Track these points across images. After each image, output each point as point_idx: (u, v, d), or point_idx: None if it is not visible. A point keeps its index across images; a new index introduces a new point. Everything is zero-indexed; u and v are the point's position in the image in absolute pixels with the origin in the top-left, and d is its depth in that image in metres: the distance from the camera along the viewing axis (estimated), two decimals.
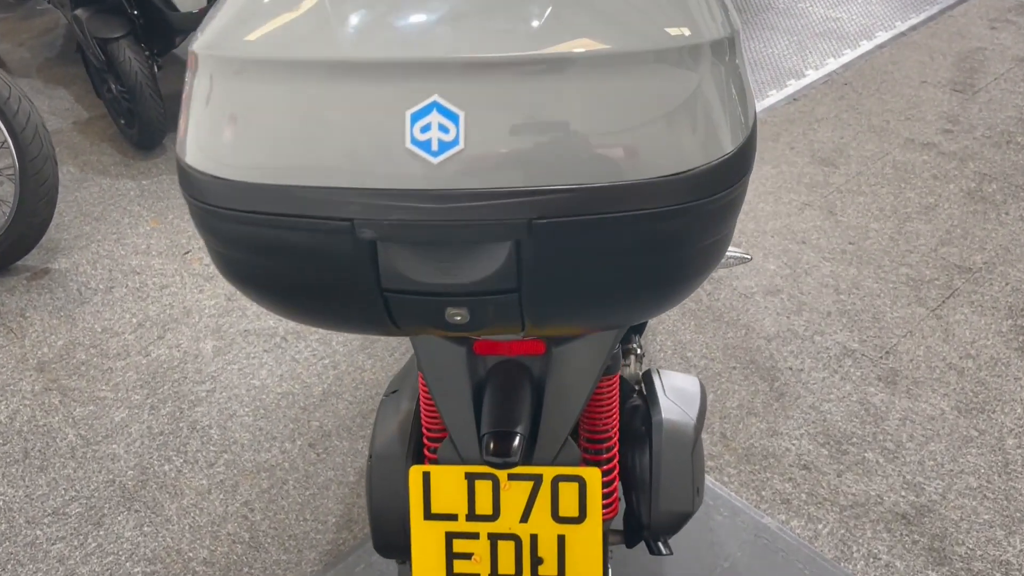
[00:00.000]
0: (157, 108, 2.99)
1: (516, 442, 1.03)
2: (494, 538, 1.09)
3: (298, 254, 0.73)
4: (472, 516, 1.09)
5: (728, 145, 0.74)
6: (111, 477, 1.98)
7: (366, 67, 0.69)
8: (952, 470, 1.89)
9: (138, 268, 2.63)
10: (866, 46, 3.65)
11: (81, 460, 2.02)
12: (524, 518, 1.09)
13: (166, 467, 1.99)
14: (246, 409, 2.13)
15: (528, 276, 0.74)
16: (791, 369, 2.15)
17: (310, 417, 2.10)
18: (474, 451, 1.10)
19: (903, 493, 1.85)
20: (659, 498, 1.24)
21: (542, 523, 1.08)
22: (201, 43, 0.75)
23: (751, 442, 1.97)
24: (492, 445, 1.03)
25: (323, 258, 0.73)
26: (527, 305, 0.77)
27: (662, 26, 0.72)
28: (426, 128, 0.68)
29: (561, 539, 1.09)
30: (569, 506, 1.08)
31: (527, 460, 1.09)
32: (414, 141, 0.69)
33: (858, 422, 2.01)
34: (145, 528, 1.86)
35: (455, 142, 0.69)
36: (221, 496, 1.92)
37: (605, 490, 1.22)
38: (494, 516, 1.09)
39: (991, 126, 3.07)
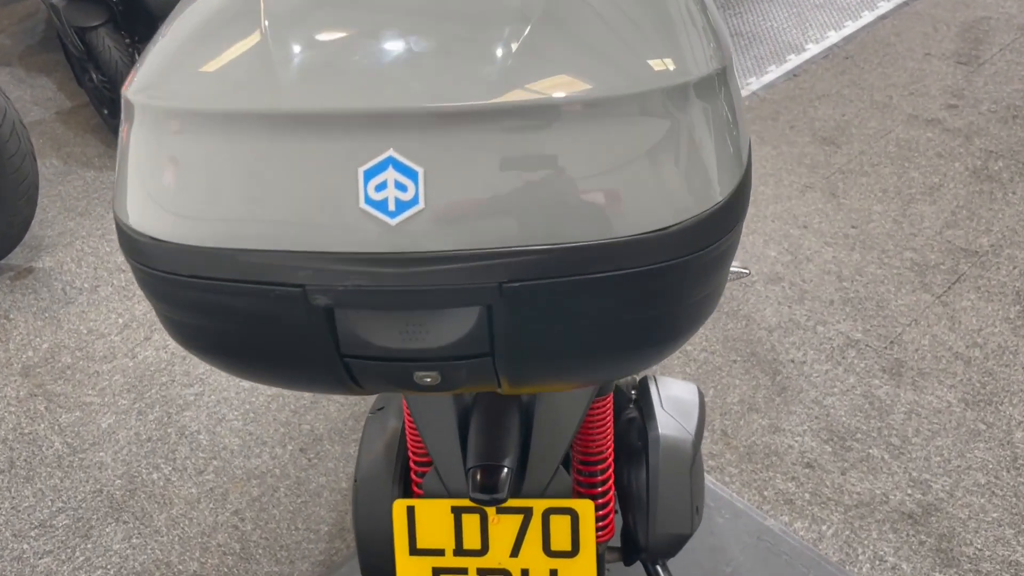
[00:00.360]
0: None
1: (503, 476, 0.98)
2: (483, 573, 1.04)
3: (248, 320, 0.67)
4: (460, 551, 1.04)
5: (719, 193, 0.68)
6: (98, 487, 1.94)
7: (313, 119, 0.62)
8: (959, 466, 1.84)
9: (123, 265, 2.57)
10: (868, 17, 3.55)
11: (68, 469, 1.98)
12: (514, 552, 1.04)
13: (154, 475, 1.95)
14: (235, 413, 2.08)
15: (501, 340, 0.68)
16: (793, 361, 2.10)
17: (301, 421, 2.05)
18: (461, 483, 1.05)
19: (909, 491, 1.80)
20: (656, 520, 1.19)
21: (533, 557, 1.03)
22: (135, 88, 0.68)
23: (753, 439, 1.93)
24: (478, 480, 0.98)
25: (275, 324, 0.67)
26: (502, 368, 0.71)
27: (644, 66, 0.65)
28: (381, 186, 0.62)
29: (553, 573, 1.04)
30: (561, 540, 1.03)
31: (516, 492, 1.04)
32: (368, 201, 0.62)
33: (862, 417, 1.96)
34: (134, 540, 1.82)
35: (414, 201, 0.62)
36: (211, 505, 1.88)
37: (600, 512, 1.17)
38: (483, 551, 1.04)
39: (997, 100, 2.99)
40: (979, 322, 2.17)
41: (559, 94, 0.62)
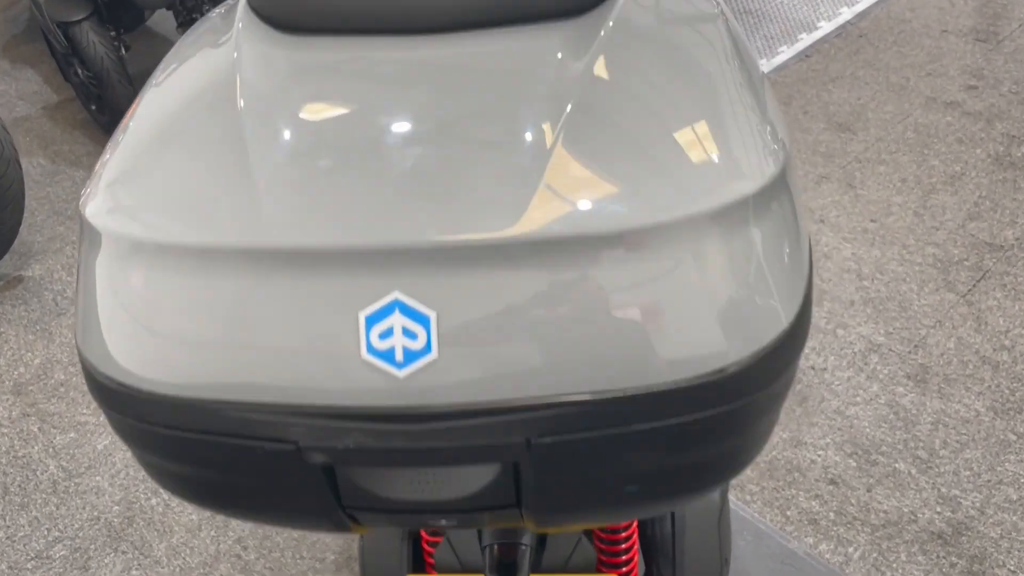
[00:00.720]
0: (127, 93, 2.80)
1: (522, 553, 0.90)
2: None
3: (236, 474, 0.58)
4: None
5: (784, 318, 0.58)
6: (96, 514, 1.87)
7: (303, 257, 0.53)
8: (990, 480, 1.77)
9: None
10: None
11: (64, 495, 1.91)
12: None
13: (153, 500, 1.88)
14: None
15: (530, 493, 0.59)
16: (814, 368, 2.02)
17: None
18: (476, 557, 0.97)
19: (938, 509, 1.73)
20: None
21: None
22: (96, 209, 0.58)
23: (774, 454, 1.85)
24: (495, 558, 0.90)
25: (266, 478, 0.58)
26: (529, 515, 0.62)
27: (696, 182, 0.54)
28: (387, 334, 0.52)
29: None
30: None
31: (536, 566, 0.97)
32: (371, 350, 0.53)
33: (887, 428, 1.88)
34: (133, 572, 1.76)
35: (426, 350, 0.53)
36: (212, 533, 1.81)
37: (623, 570, 1.10)
38: None
39: (1018, 80, 2.87)
40: (1006, 323, 2.09)
41: (593, 226, 0.52)
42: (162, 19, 3.46)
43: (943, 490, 1.76)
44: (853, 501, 1.76)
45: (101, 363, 0.58)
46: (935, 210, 2.42)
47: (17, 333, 2.32)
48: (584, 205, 0.53)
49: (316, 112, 0.58)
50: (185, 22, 2.95)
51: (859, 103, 2.84)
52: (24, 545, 1.83)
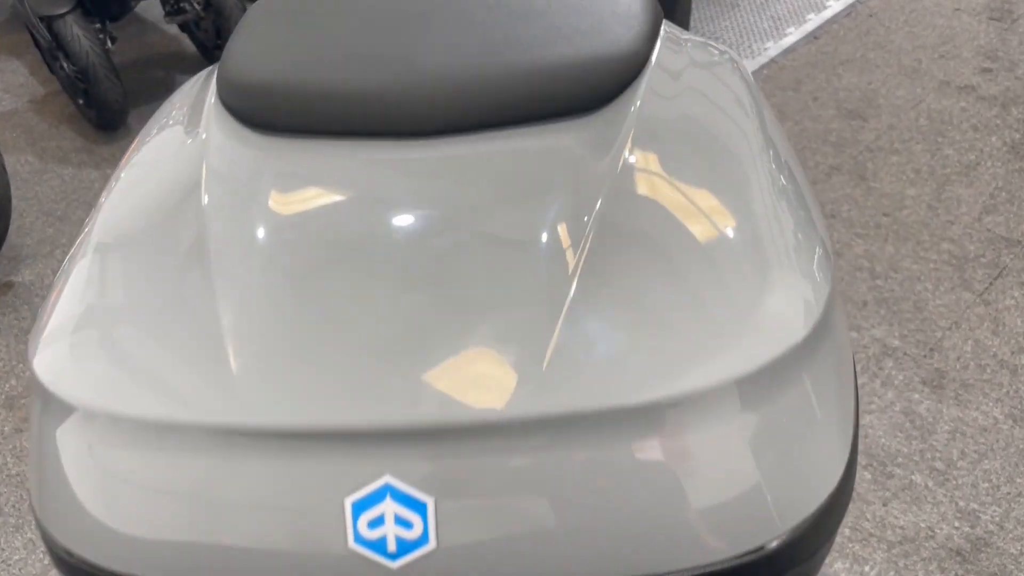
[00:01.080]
0: (114, 88, 2.72)
1: None
2: None
3: None
4: None
5: (833, 478, 0.50)
6: None
7: (281, 437, 0.46)
8: (1009, 493, 1.72)
9: None
10: None
11: None
12: None
13: None
14: None
15: None
16: None
17: None
18: None
19: (956, 524, 1.68)
20: None
21: None
22: (51, 368, 0.51)
23: None
24: None
25: None
26: None
27: (736, 338, 0.46)
28: (377, 522, 0.45)
29: None
30: None
31: None
32: (360, 539, 0.45)
33: (903, 437, 1.83)
34: None
35: (422, 540, 0.45)
36: None
37: None
38: None
39: None
40: None
41: (618, 395, 0.44)
42: (150, 5, 3.36)
43: (961, 504, 1.71)
44: (869, 516, 1.71)
45: (62, 535, 0.51)
46: (950, 203, 2.34)
47: (7, 343, 2.26)
48: (605, 371, 0.45)
49: (290, 246, 0.50)
50: (172, 11, 2.86)
51: (870, 88, 2.76)
52: (20, 569, 1.78)
